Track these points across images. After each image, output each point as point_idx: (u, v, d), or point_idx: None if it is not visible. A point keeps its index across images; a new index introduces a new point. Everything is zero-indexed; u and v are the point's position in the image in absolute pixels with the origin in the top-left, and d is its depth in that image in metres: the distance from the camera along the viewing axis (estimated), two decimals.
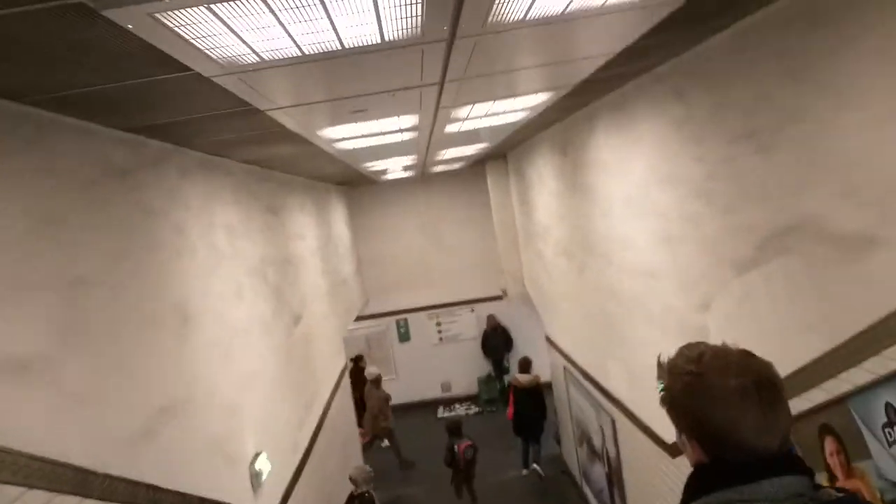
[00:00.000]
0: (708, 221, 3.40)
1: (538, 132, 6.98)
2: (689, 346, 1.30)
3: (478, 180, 11.36)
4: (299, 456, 5.19)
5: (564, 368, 7.85)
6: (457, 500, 8.24)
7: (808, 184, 2.54)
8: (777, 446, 1.17)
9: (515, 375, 9.24)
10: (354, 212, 12.09)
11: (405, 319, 12.69)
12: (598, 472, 6.93)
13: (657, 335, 4.42)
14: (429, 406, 12.40)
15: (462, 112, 3.89)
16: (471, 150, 7.38)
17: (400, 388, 12.51)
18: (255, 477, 3.88)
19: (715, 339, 3.22)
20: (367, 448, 9.34)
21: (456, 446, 8.05)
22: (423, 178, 11.84)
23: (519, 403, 8.98)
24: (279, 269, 5.51)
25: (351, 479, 6.65)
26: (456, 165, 10.35)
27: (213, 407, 3.47)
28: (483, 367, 12.67)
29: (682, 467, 4.19)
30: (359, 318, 12.12)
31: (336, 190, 10.55)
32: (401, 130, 4.25)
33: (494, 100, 3.57)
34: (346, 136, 4.08)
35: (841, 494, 1.18)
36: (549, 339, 8.85)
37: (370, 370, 10.26)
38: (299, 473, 5.06)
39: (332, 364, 7.64)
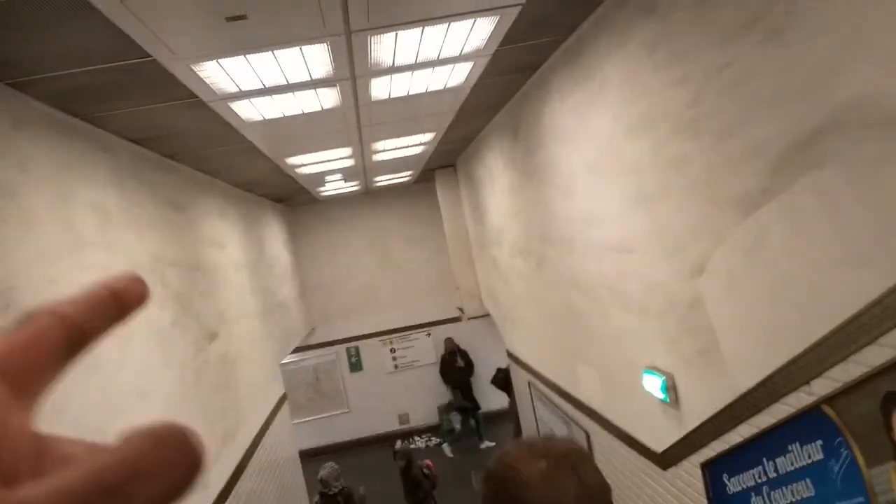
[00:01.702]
0: (696, 159, 2.70)
1: (487, 121, 6.31)
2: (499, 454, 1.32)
3: (427, 195, 10.67)
4: (213, 496, 4.23)
5: (529, 384, 7.04)
6: None
7: (843, 62, 1.85)
8: None
9: None
10: (296, 234, 11.20)
11: (356, 347, 11.75)
12: None
13: (635, 322, 3.68)
14: (385, 441, 11.33)
15: (384, 50, 3.15)
16: (414, 145, 6.65)
17: (353, 423, 11.53)
18: None
19: (714, 311, 2.46)
20: None
21: (423, 469, 7.21)
22: (367, 194, 11.08)
23: None
24: (184, 275, 4.61)
25: (322, 480, 6.54)
26: (403, 176, 9.63)
27: (62, 429, 2.55)
28: (443, 394, 11.75)
29: (676, 479, 3.40)
30: (306, 348, 11.16)
31: (273, 207, 9.68)
32: (314, 84, 3.47)
33: (422, 21, 2.83)
34: (243, 86, 3.28)
35: None
36: (510, 355, 8.06)
37: None
38: None
39: (266, 392, 6.67)
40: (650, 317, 3.45)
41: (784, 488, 2.47)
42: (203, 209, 5.60)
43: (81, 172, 3.30)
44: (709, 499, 3.10)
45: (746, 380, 2.60)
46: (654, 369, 3.41)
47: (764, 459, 2.57)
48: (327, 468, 6.70)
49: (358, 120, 4.67)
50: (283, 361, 8.76)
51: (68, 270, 2.91)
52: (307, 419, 11.40)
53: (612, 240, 3.79)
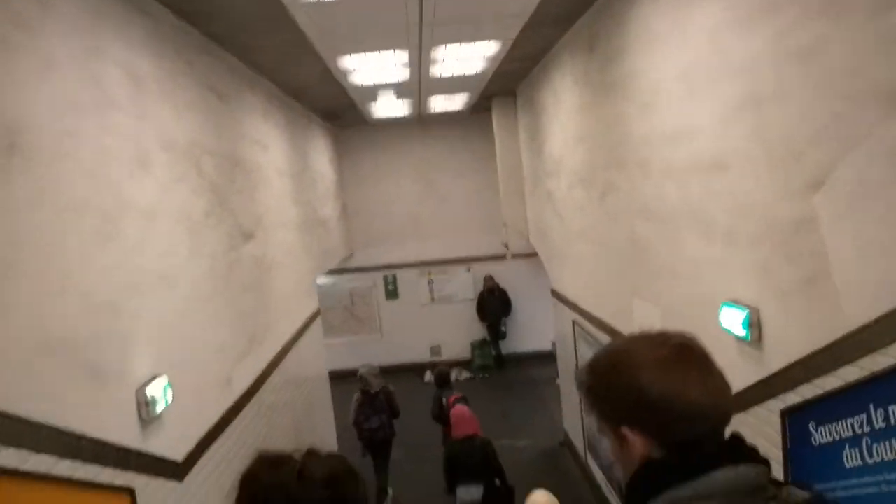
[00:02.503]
0: (834, 46, 2.20)
1: (560, 34, 5.77)
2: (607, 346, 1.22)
3: (480, 127, 10.20)
4: (236, 395, 4.05)
5: (573, 323, 6.69)
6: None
7: None
8: (726, 407, 1.06)
9: None
10: (342, 154, 10.90)
11: (394, 275, 11.53)
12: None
13: (716, 251, 3.24)
14: (416, 370, 11.26)
15: None
16: (476, 58, 6.16)
17: (385, 350, 11.40)
18: (147, 406, 2.74)
19: (830, 232, 1.91)
20: None
21: (444, 399, 6.89)
22: (419, 121, 10.64)
23: None
24: (222, 166, 4.32)
25: (362, 378, 6.66)
26: (459, 100, 9.12)
27: (67, 294, 2.31)
28: (477, 331, 11.54)
29: (743, 427, 2.99)
30: (343, 271, 11.00)
31: (321, 124, 9.34)
32: None
33: None
34: None
35: (807, 494, 1.03)
36: (555, 293, 7.69)
37: None
38: (234, 415, 3.93)
39: (299, 304, 6.48)
40: (738, 244, 3.01)
41: (893, 440, 2.08)
42: (247, 105, 5.27)
43: (115, 28, 2.97)
44: (785, 450, 2.73)
45: (862, 313, 2.18)
46: (735, 302, 2.99)
47: (871, 406, 2.17)
48: (367, 367, 6.74)
49: (420, 12, 4.22)
50: (320, 282, 8.58)
51: (90, 128, 2.62)
52: (339, 339, 11.32)
53: (701, 157, 3.32)
